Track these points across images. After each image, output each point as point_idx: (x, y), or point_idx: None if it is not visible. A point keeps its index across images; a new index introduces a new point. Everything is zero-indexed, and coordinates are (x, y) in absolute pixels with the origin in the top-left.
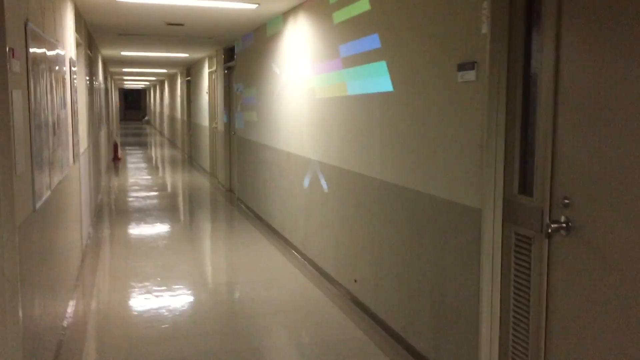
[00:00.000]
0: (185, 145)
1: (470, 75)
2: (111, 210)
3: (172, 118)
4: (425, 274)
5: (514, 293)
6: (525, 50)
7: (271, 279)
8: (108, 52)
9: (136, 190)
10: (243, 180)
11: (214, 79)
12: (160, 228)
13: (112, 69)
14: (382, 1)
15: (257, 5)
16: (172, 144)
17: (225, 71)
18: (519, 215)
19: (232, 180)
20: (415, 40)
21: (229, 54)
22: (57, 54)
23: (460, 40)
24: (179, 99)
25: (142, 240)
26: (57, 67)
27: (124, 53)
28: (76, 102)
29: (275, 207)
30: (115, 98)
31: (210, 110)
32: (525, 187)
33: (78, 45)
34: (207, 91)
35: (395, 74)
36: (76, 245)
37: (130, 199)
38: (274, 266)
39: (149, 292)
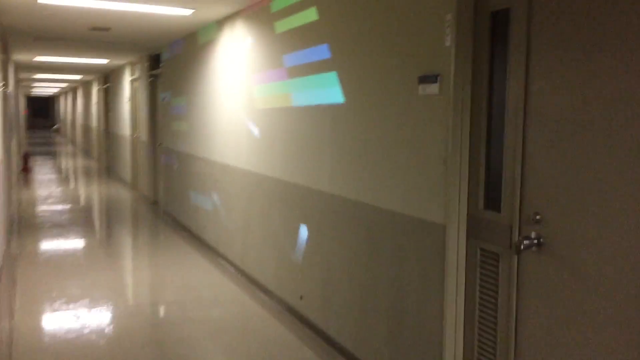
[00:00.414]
0: (102, 155)
1: (433, 88)
2: (26, 226)
3: (86, 127)
4: (381, 292)
5: (480, 311)
6: (490, 63)
7: (208, 296)
8: (20, 57)
9: (51, 204)
10: (171, 192)
11: (136, 87)
12: (81, 244)
13: (22, 75)
14: (332, 11)
15: (193, 10)
16: (87, 153)
17: (150, 79)
18: (485, 231)
19: (156, 192)
20: (371, 51)
21: (154, 61)
22: None
23: (421, 53)
24: (94, 107)
25: (62, 258)
26: None
27: (38, 59)
28: None
29: (209, 220)
30: (22, 105)
31: (132, 120)
32: (492, 202)
33: None
34: (129, 100)
35: (348, 86)
36: None
37: (46, 214)
38: (210, 283)
39: (72, 314)
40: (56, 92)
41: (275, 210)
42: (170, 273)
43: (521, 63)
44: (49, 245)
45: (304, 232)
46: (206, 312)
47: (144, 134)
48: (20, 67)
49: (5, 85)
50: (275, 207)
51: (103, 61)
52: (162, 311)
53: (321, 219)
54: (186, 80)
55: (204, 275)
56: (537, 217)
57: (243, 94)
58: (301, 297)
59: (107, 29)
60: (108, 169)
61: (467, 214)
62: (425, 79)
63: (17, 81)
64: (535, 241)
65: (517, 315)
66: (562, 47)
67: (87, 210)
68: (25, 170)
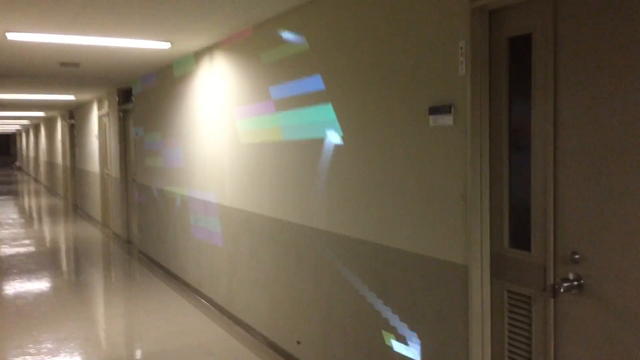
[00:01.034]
0: (69, 192)
1: (446, 119)
2: None
3: (50, 164)
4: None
5: (509, 359)
6: (509, 91)
7: (194, 344)
8: None
9: (18, 247)
10: (146, 230)
11: (105, 122)
12: (53, 290)
13: None
14: (324, 40)
15: (169, 44)
16: (51, 191)
17: (121, 114)
18: (512, 271)
19: (130, 230)
20: (372, 81)
21: (125, 95)
22: None
23: (431, 82)
24: (59, 144)
25: (34, 307)
26: None
27: (0, 96)
28: None
29: (190, 260)
30: None
31: (101, 156)
32: (519, 240)
33: None
34: (97, 135)
35: (345, 118)
36: None
37: (12, 258)
38: (195, 328)
39: None
40: (17, 129)
41: (265, 249)
42: (151, 319)
43: (548, 90)
44: (18, 293)
45: (298, 272)
46: None
47: (114, 170)
48: None
49: None
50: (265, 246)
51: (69, 97)
52: None
53: (318, 259)
54: (161, 115)
55: (188, 320)
56: (576, 256)
57: (225, 128)
58: (298, 342)
59: (76, 65)
60: (76, 207)
61: (492, 254)
62: (437, 110)
63: None
64: (575, 283)
65: None
66: (595, 73)
67: (56, 253)
68: None
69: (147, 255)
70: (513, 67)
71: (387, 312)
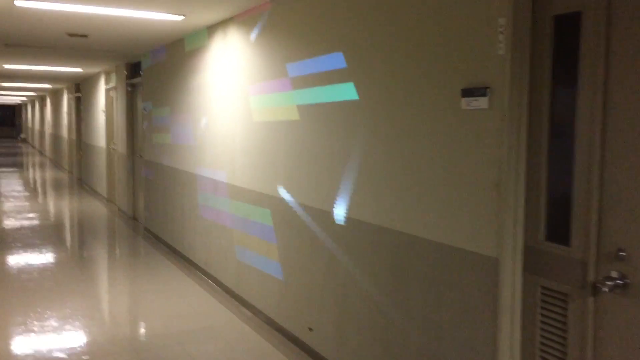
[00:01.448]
0: (74, 167)
1: (481, 102)
2: None
3: (55, 137)
4: (412, 331)
5: (541, 359)
6: (552, 73)
7: (203, 327)
8: None
9: (22, 220)
10: (152, 208)
11: (113, 97)
12: (58, 266)
13: None
14: (346, 17)
15: (183, 16)
16: (57, 164)
17: (129, 88)
18: (547, 266)
19: (136, 207)
20: (397, 59)
21: (133, 69)
22: None
23: (464, 62)
24: (65, 117)
25: (38, 283)
26: None
27: (6, 66)
28: None
29: (197, 239)
30: None
31: (107, 130)
32: (557, 233)
33: None
34: (104, 109)
35: (368, 99)
36: None
37: (17, 232)
38: (202, 310)
39: (52, 350)
40: (23, 100)
41: (276, 232)
42: (158, 299)
43: (598, 74)
44: (22, 268)
45: (312, 256)
46: (203, 346)
47: (121, 145)
48: None
49: None
50: (278, 229)
51: (76, 69)
52: (153, 346)
53: (334, 244)
54: (170, 90)
55: (195, 301)
56: (622, 253)
57: (238, 105)
58: (310, 329)
59: (84, 36)
60: (81, 182)
61: (525, 246)
62: (470, 92)
63: None
64: (620, 282)
65: None
66: None
67: (61, 227)
68: None
69: (153, 232)
70: (558, 48)
71: (406, 303)
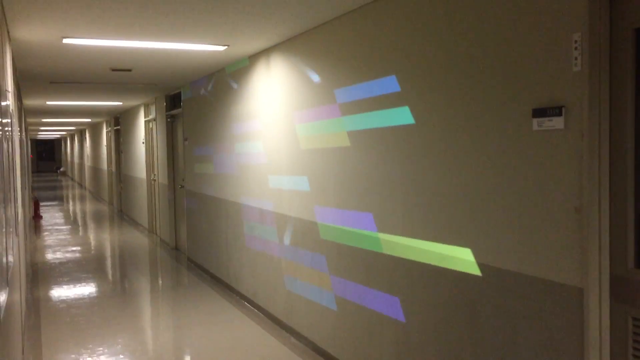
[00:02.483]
0: (115, 198)
1: (555, 122)
2: (42, 279)
3: (95, 169)
4: None
5: None
6: (636, 90)
7: (253, 359)
8: (31, 101)
9: (67, 253)
10: (195, 238)
11: (152, 128)
12: (105, 300)
13: (30, 119)
14: (399, 38)
15: (226, 47)
16: (97, 197)
17: (169, 119)
18: (638, 295)
19: (178, 237)
20: (456, 81)
21: (172, 101)
22: (7, 106)
23: (535, 81)
24: (104, 149)
25: (86, 318)
26: (7, 120)
27: (50, 102)
28: (14, 162)
29: (244, 270)
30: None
31: (147, 162)
32: None
33: (13, 94)
34: (144, 141)
35: (425, 123)
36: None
37: (62, 264)
38: (252, 341)
39: None
40: (62, 135)
41: (329, 262)
42: (206, 332)
43: None
44: (71, 301)
45: (370, 287)
46: None
47: (162, 176)
48: (29, 112)
49: (21, 132)
50: (329, 258)
51: (116, 103)
52: None
53: (393, 274)
54: (212, 119)
55: (242, 332)
56: None
57: (283, 132)
58: None
59: (128, 70)
60: (121, 213)
61: (611, 275)
62: (543, 112)
63: (26, 126)
64: None
65: None
66: None
67: (104, 260)
68: (36, 217)
69: (196, 262)
70: None
71: (478, 340)
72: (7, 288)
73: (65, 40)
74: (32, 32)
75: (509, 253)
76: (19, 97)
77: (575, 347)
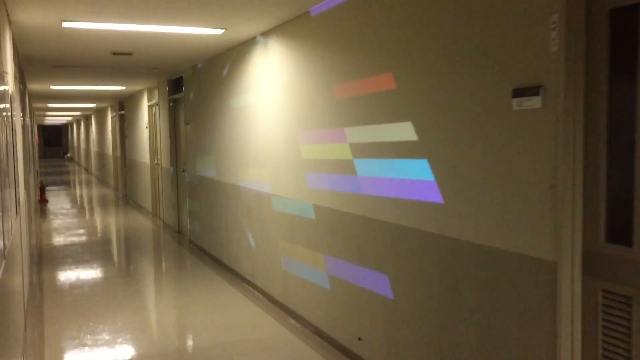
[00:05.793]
0: (120, 183)
1: (534, 102)
2: (47, 261)
3: (101, 154)
4: (465, 340)
5: None
6: (610, 70)
7: (252, 338)
8: (35, 86)
9: (71, 236)
10: (197, 221)
11: (155, 113)
12: (107, 280)
13: (35, 104)
14: (387, 21)
15: (223, 30)
16: (103, 181)
17: (171, 104)
18: (608, 269)
19: (180, 220)
20: (442, 62)
21: (175, 85)
22: (4, 90)
23: (515, 61)
24: (109, 134)
25: (89, 297)
26: (3, 105)
27: (54, 87)
28: (16, 145)
29: (243, 251)
30: (35, 135)
31: (151, 146)
32: (618, 234)
33: (14, 78)
34: (147, 125)
35: (413, 103)
36: (19, 304)
37: (67, 247)
38: (251, 322)
39: None
40: (68, 120)
41: (324, 241)
42: (204, 310)
43: None
44: (74, 282)
45: (360, 264)
46: (251, 357)
47: (165, 160)
48: (34, 97)
49: (24, 117)
50: (324, 238)
51: (120, 88)
52: (198, 357)
53: (382, 252)
54: (212, 103)
55: (243, 313)
56: None
57: (280, 112)
58: (360, 339)
59: (129, 54)
60: (126, 197)
61: (583, 249)
62: (522, 92)
63: (31, 111)
64: None
65: None
66: None
67: (109, 242)
68: (42, 201)
69: (198, 245)
70: (615, 43)
71: (459, 311)
72: (4, 260)
73: (64, 24)
74: (32, 16)
75: (489, 229)
76: (22, 81)
77: (549, 319)
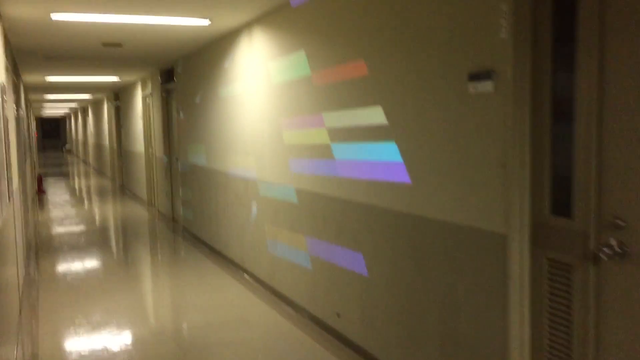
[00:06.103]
0: (116, 173)
1: (486, 85)
2: (44, 249)
3: (98, 146)
4: (431, 309)
5: (550, 328)
6: (553, 55)
7: (239, 317)
8: (30, 77)
9: (68, 225)
10: (190, 208)
11: (149, 103)
12: (101, 266)
13: (33, 96)
14: (355, 6)
15: (208, 20)
16: (100, 172)
17: (164, 94)
18: (552, 239)
19: (174, 209)
20: (405, 46)
21: (167, 75)
22: None
23: (470, 47)
24: (106, 125)
25: (83, 281)
26: None
27: (49, 79)
28: (8, 134)
29: (232, 236)
30: (33, 127)
31: (145, 136)
32: (560, 207)
33: (6, 70)
34: (141, 116)
35: (379, 85)
36: (13, 289)
37: (63, 236)
38: (237, 302)
39: (97, 341)
40: (66, 113)
41: (306, 223)
42: (196, 293)
43: (593, 51)
44: (68, 268)
45: (338, 244)
46: (236, 334)
47: (159, 149)
48: (30, 88)
49: (18, 108)
50: (304, 221)
51: (114, 78)
52: (190, 335)
53: (357, 231)
54: (202, 93)
55: (231, 294)
56: (619, 222)
57: (265, 103)
58: (338, 315)
59: (119, 45)
60: (123, 187)
61: (531, 222)
62: (476, 77)
63: (28, 103)
64: (619, 250)
65: (596, 337)
66: None
67: (104, 231)
68: (40, 192)
69: (191, 232)
70: (557, 31)
71: (425, 285)
72: None
73: (53, 16)
74: (21, 8)
75: (449, 207)
76: (16, 73)
77: (501, 287)
